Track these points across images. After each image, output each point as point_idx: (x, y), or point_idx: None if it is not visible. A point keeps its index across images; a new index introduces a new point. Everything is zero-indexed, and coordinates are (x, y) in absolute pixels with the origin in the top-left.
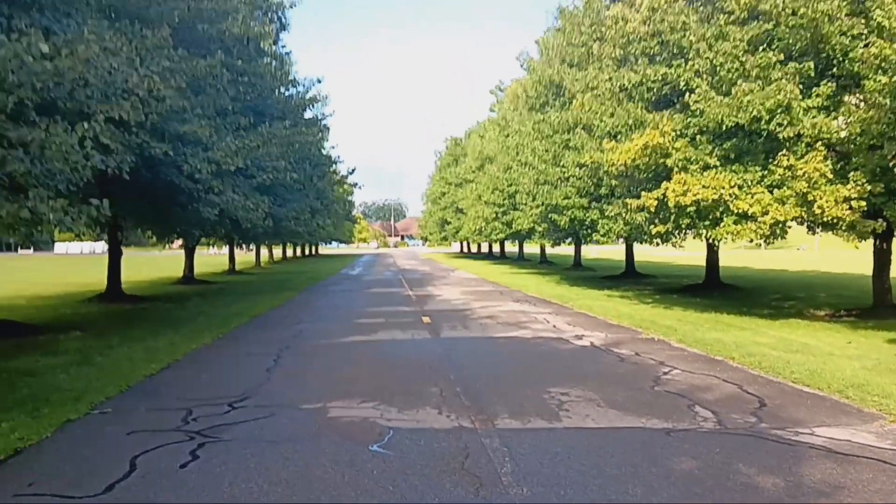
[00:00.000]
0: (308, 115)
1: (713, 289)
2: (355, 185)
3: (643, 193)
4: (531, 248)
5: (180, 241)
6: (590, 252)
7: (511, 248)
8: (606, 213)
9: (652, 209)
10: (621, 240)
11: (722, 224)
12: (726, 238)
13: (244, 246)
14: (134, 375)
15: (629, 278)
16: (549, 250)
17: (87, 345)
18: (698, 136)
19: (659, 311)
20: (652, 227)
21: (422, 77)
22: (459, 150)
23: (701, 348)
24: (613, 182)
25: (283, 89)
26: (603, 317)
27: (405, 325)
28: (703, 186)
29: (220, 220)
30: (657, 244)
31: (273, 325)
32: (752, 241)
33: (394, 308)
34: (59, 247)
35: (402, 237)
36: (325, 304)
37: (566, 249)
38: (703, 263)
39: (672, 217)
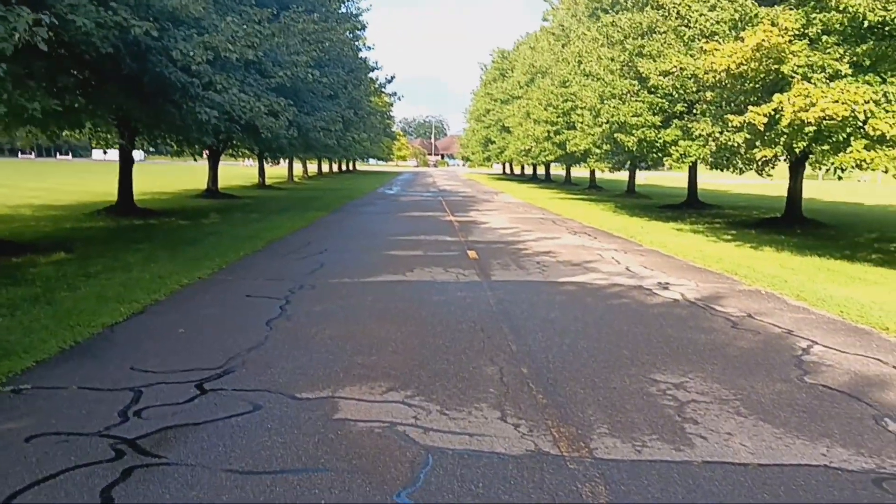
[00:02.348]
0: (342, 10)
1: (795, 224)
2: (394, 94)
3: (750, 108)
4: (577, 172)
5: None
6: (637, 178)
7: (557, 171)
8: (692, 133)
9: (761, 127)
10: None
11: (849, 149)
12: (852, 167)
13: (271, 159)
14: (92, 324)
15: (692, 208)
16: (597, 175)
17: (62, 272)
18: (824, 38)
19: (746, 251)
20: (755, 150)
21: None
22: (507, 63)
23: (833, 310)
24: (709, 94)
25: None
26: (682, 257)
27: (447, 260)
28: (834, 100)
29: (229, 125)
30: (740, 171)
31: (291, 253)
32: (886, 171)
33: (434, 237)
34: (97, 153)
35: (443, 156)
36: (355, 228)
37: (614, 175)
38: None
39: (784, 138)
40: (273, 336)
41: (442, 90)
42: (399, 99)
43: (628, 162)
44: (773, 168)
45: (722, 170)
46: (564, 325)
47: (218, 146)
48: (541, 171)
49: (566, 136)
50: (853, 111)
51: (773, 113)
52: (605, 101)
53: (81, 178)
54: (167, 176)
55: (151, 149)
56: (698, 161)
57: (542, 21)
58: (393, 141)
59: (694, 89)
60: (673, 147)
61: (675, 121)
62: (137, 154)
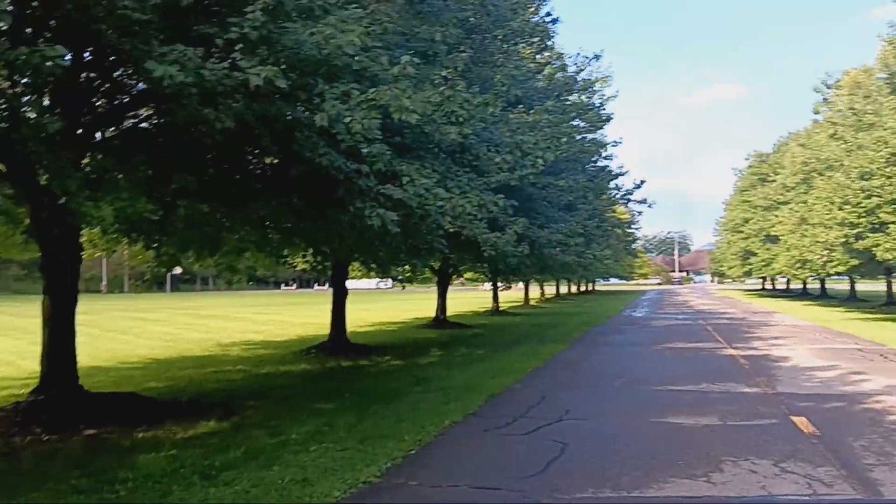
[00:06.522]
0: (573, 98)
1: None
2: (644, 202)
3: None
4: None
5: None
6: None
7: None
8: None
9: None
10: None
11: None
12: None
13: (503, 282)
14: None
15: None
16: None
17: (170, 469)
18: None
19: None
20: None
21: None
22: (767, 167)
23: None
24: None
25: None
26: None
27: (766, 438)
28: None
29: (434, 238)
30: None
31: (516, 419)
32: None
33: (721, 386)
34: (362, 282)
35: (688, 272)
36: (604, 369)
37: (871, 285)
38: None
39: None
40: None
41: (683, 203)
42: (650, 206)
43: None
44: None
45: None
46: None
47: (444, 269)
48: (812, 284)
49: (874, 241)
50: None
51: None
52: None
53: (323, 310)
54: (410, 303)
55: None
56: None
57: (812, 115)
58: (635, 259)
59: None
60: None
61: None
62: (384, 282)
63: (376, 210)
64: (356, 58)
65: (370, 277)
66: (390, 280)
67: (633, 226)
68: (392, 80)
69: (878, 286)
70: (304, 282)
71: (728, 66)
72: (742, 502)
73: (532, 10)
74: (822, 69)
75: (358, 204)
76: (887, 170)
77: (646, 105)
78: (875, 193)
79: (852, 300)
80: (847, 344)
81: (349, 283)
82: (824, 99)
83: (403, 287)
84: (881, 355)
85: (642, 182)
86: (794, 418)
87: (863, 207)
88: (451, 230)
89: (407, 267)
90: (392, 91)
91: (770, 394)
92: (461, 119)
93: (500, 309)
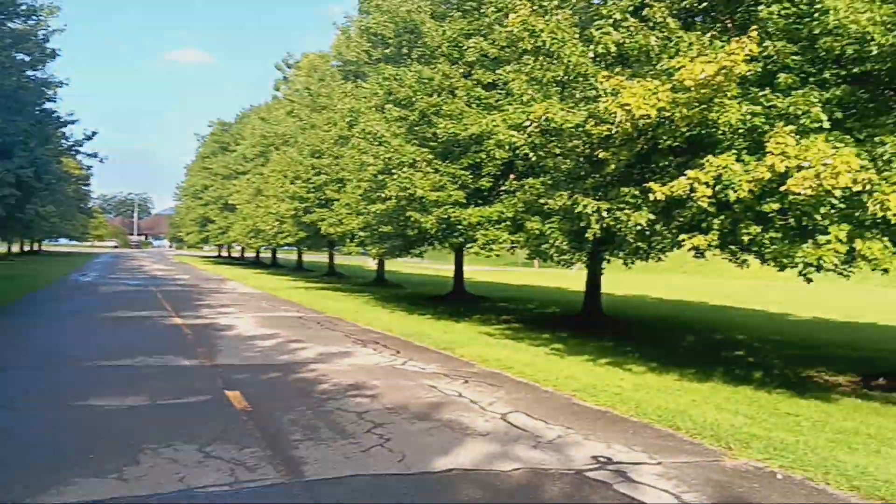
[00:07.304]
0: (12, 25)
1: (602, 323)
2: (95, 156)
3: (688, 172)
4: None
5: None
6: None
7: (283, 254)
8: (559, 206)
9: (704, 203)
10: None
11: (825, 238)
12: (835, 264)
13: None
14: None
15: (464, 301)
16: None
17: None
18: (781, 76)
19: (618, 374)
20: (683, 236)
21: (179, 47)
22: (229, 136)
23: None
24: (601, 154)
25: None
26: (552, 387)
27: (198, 419)
28: (845, 163)
29: None
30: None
31: None
32: (886, 271)
33: (159, 359)
34: None
35: (147, 236)
36: (29, 344)
37: (347, 260)
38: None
39: (723, 220)
40: None
41: (148, 165)
42: (102, 161)
43: (417, 246)
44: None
45: (566, 265)
46: None
47: None
48: (265, 254)
49: (319, 215)
50: (861, 181)
51: (714, 180)
52: (394, 171)
53: None
54: None
55: None
56: (561, 254)
57: (273, 91)
58: (90, 219)
59: (556, 151)
60: (480, 231)
61: (517, 193)
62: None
63: None
64: None
65: None
66: None
67: (87, 182)
68: None
69: (322, 257)
70: None
71: (198, 32)
72: (157, 501)
73: None
74: (286, 48)
75: None
76: (335, 149)
77: (111, 59)
78: (323, 171)
79: (299, 270)
80: (291, 311)
81: None
82: (284, 77)
83: None
84: (319, 323)
85: (94, 133)
86: (229, 393)
87: (312, 183)
88: None
89: None
90: None
91: (208, 366)
92: None
93: None
